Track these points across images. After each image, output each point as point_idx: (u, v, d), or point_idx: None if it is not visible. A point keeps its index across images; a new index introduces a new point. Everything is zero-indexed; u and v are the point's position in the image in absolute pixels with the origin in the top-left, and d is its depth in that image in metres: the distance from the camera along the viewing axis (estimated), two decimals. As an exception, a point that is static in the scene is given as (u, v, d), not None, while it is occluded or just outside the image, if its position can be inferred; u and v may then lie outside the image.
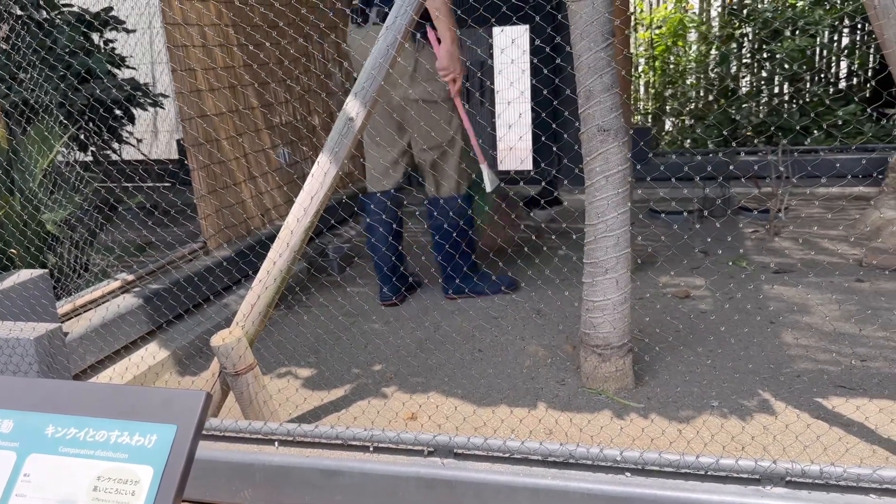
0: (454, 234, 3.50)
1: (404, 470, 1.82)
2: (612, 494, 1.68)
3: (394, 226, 3.59)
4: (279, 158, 4.42)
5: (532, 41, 5.24)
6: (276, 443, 1.97)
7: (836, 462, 1.68)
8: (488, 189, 3.52)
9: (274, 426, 1.98)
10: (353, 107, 2.31)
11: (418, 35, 3.29)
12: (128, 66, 5.82)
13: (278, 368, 3.08)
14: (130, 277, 3.32)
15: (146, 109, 5.82)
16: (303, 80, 4.78)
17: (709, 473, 1.67)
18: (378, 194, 3.57)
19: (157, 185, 6.24)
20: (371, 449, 1.90)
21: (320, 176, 2.28)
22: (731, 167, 5.04)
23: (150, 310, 3.21)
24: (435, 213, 3.57)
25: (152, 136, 7.50)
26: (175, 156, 7.04)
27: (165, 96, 6.05)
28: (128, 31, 5.78)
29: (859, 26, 5.93)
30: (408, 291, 3.79)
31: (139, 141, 6.42)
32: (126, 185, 5.71)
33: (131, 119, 5.78)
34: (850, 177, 4.93)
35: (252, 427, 1.99)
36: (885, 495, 1.60)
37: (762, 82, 6.02)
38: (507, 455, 1.81)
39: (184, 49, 3.60)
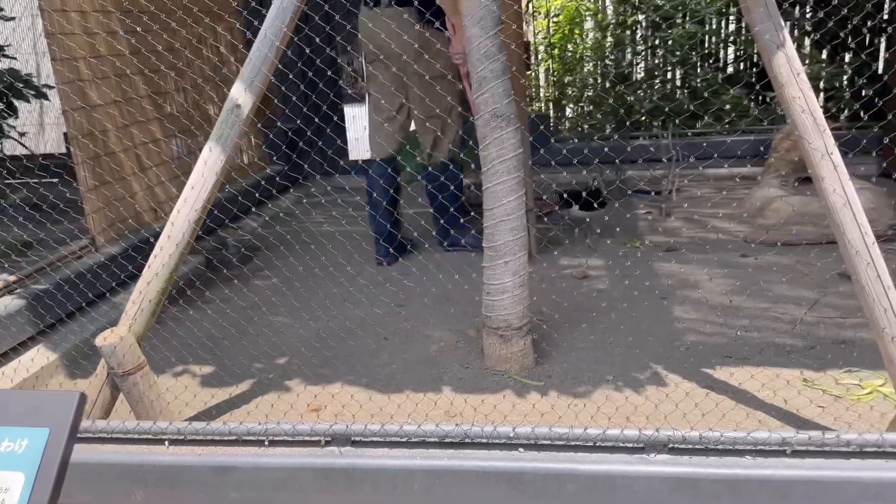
0: (448, 195, 3.84)
1: (301, 461, 1.80)
2: (506, 470, 1.72)
3: (391, 192, 3.96)
4: (177, 148, 4.26)
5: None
6: (167, 442, 1.91)
7: (714, 427, 1.77)
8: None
9: (164, 425, 1.91)
10: (240, 92, 2.25)
11: (437, 23, 3.55)
12: (6, 56, 5.48)
13: (176, 367, 2.98)
14: (13, 278, 3.14)
15: (29, 101, 5.49)
16: (196, 66, 4.62)
17: (597, 444, 1.73)
18: (379, 161, 3.89)
19: (44, 179, 5.91)
20: (266, 443, 1.86)
21: (207, 165, 2.21)
22: (626, 150, 5.21)
23: (38, 310, 3.05)
24: (434, 176, 3.94)
25: (39, 129, 7.09)
26: (64, 149, 6.69)
27: (50, 87, 5.72)
28: (6, 19, 5.44)
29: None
30: (400, 253, 4.11)
31: (22, 135, 6.06)
32: (9, 181, 5.37)
33: (13, 111, 5.44)
34: (745, 158, 5.19)
35: (140, 427, 1.92)
36: (759, 456, 1.69)
37: (655, 68, 6.24)
38: (404, 439, 1.82)
39: (64, 36, 3.41)
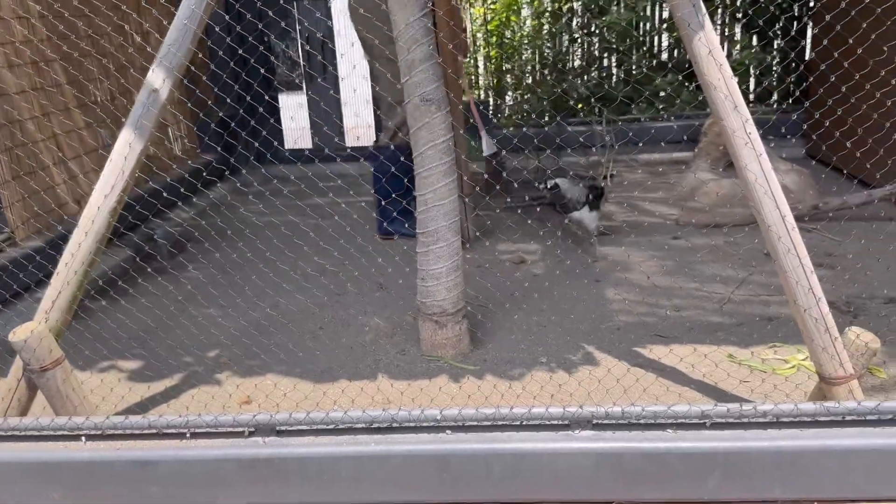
0: (390, 178, 3.81)
1: (223, 453, 1.75)
2: (433, 452, 1.71)
3: (405, 180, 3.83)
4: (103, 137, 4.11)
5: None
6: (84, 438, 1.84)
7: (636, 402, 1.79)
8: (486, 153, 3.88)
9: (80, 420, 1.84)
10: (157, 76, 2.18)
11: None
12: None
13: (101, 363, 2.88)
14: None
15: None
16: (119, 54, 4.46)
17: (523, 423, 1.73)
18: (393, 147, 3.90)
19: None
20: (188, 435, 1.81)
21: (124, 152, 2.14)
22: (561, 138, 5.25)
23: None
24: (380, 159, 3.95)
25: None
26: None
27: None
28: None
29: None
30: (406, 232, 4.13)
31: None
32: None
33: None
34: (679, 143, 5.28)
35: (55, 424, 1.84)
36: (680, 429, 1.72)
37: (591, 55, 6.30)
38: (331, 427, 1.79)
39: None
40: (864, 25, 2.87)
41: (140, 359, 2.90)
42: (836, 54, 4.01)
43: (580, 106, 5.96)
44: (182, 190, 4.50)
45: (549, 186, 3.76)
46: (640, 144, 5.00)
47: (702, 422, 1.72)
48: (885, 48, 3.31)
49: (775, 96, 5.98)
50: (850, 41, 3.17)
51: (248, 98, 4.78)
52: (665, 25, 6.30)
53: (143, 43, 4.65)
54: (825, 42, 4.84)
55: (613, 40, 6.04)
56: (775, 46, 5.89)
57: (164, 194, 4.09)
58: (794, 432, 1.74)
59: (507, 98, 6.65)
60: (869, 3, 3.20)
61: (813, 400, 2.11)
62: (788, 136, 5.39)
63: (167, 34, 2.19)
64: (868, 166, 3.66)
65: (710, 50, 1.90)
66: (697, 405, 1.73)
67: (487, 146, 3.85)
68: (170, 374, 2.77)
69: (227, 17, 5.04)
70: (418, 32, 2.52)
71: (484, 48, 6.67)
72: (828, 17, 4.59)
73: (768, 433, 1.73)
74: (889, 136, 3.66)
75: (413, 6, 2.49)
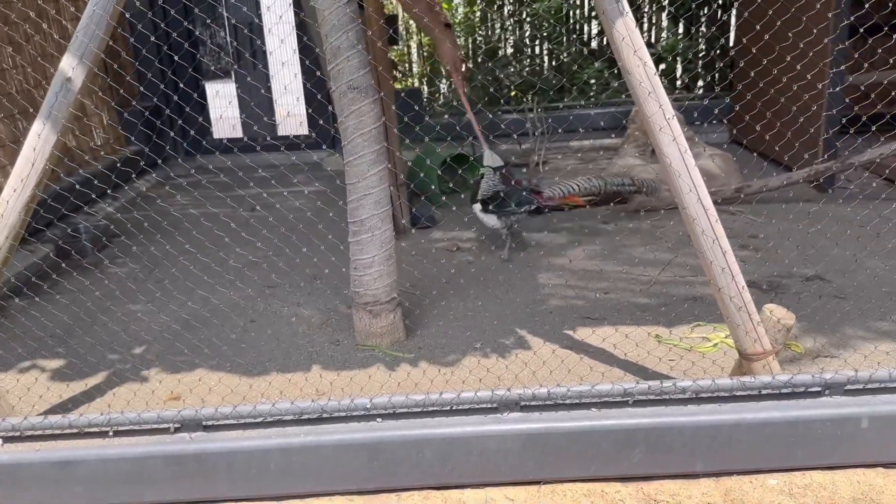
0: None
1: (149, 450, 1.72)
2: (364, 441, 1.72)
3: None
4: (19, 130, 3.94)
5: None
6: (1, 440, 1.78)
7: (563, 383, 1.84)
8: (488, 164, 3.77)
9: (-5, 423, 1.78)
10: (69, 65, 2.10)
11: None
12: None
13: (19, 363, 2.77)
14: None
15: None
16: (36, 43, 4.28)
17: (453, 408, 1.75)
18: None
19: None
20: (111, 433, 1.77)
21: (35, 144, 2.05)
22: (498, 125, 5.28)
23: None
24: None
25: None
26: None
27: None
28: None
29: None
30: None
31: None
32: None
33: None
34: (610, 130, 5.38)
35: (-32, 428, 1.78)
36: (604, 407, 1.77)
37: (523, 43, 6.36)
38: (259, 420, 1.78)
39: None
40: (779, 23, 2.99)
41: (60, 357, 2.80)
42: (753, 50, 4.16)
43: (513, 94, 6.01)
44: (106, 183, 4.36)
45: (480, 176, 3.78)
46: (574, 132, 5.07)
47: (625, 399, 1.78)
48: (801, 45, 3.45)
49: (700, 83, 6.15)
50: (767, 37, 3.30)
51: (176, 88, 4.66)
52: (594, 13, 6.40)
53: (59, 35, 4.48)
54: (744, 39, 5.01)
55: (545, 27, 6.10)
56: (701, 35, 6.05)
57: (87, 188, 3.95)
58: (712, 407, 1.81)
59: (442, 86, 6.66)
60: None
61: (733, 376, 2.19)
62: (715, 123, 5.55)
63: (78, 25, 2.11)
64: (787, 153, 3.81)
65: (626, 35, 1.94)
66: (620, 383, 1.78)
67: (491, 159, 3.82)
68: (92, 372, 2.69)
69: (152, 9, 4.89)
70: (344, 18, 2.49)
71: (417, 35, 6.65)
72: (745, 14, 4.75)
73: (688, 408, 1.80)
74: (805, 126, 3.83)
75: (337, -7, 2.45)
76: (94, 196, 4.08)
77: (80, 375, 2.66)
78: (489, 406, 1.75)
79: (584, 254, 3.55)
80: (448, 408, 1.76)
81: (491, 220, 3.64)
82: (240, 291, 3.31)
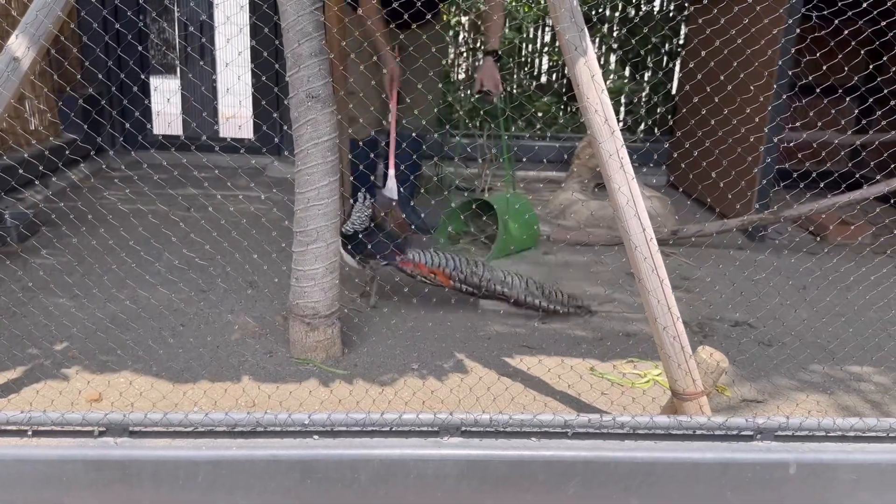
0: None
1: (70, 453, 1.63)
2: (299, 458, 1.67)
3: (370, 177, 4.19)
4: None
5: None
6: None
7: (504, 411, 1.84)
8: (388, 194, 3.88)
9: None
10: (20, 44, 2.00)
11: None
12: None
13: (-71, 353, 2.60)
14: None
15: None
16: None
17: (393, 429, 1.73)
18: (361, 143, 3.96)
19: None
20: (30, 433, 1.67)
21: (-27, 122, 1.95)
22: (445, 148, 5.32)
23: None
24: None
25: None
26: None
27: None
28: None
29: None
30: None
31: None
32: None
33: None
34: (556, 163, 5.48)
35: None
36: (543, 437, 1.78)
37: (475, 70, 6.44)
38: (190, 429, 1.71)
39: None
40: (722, 78, 3.13)
41: (-25, 350, 2.64)
42: (695, 99, 4.33)
43: (464, 119, 6.07)
44: (40, 168, 4.16)
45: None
46: (519, 162, 5.14)
47: (564, 431, 1.79)
48: (739, 99, 3.61)
49: (642, 126, 6.35)
50: (708, 89, 3.44)
51: (121, 77, 4.50)
52: (546, 49, 6.55)
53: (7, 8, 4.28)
54: (687, 87, 5.22)
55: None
56: (646, 79, 6.26)
57: (20, 171, 3.76)
58: (649, 444, 1.84)
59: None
60: (726, 54, 3.48)
61: (666, 413, 2.24)
62: (653, 166, 5.73)
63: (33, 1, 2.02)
64: (721, 202, 3.96)
65: (593, 75, 1.98)
66: (561, 415, 1.80)
67: (389, 190, 3.79)
68: (12, 366, 2.54)
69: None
70: (308, 26, 2.47)
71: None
72: (690, 64, 4.95)
73: (626, 444, 1.82)
74: (738, 177, 4.00)
75: None
76: (27, 179, 3.88)
77: (-3, 369, 2.52)
78: (430, 429, 1.74)
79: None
80: (388, 428, 1.73)
81: (349, 259, 3.18)
82: (175, 292, 3.19)
